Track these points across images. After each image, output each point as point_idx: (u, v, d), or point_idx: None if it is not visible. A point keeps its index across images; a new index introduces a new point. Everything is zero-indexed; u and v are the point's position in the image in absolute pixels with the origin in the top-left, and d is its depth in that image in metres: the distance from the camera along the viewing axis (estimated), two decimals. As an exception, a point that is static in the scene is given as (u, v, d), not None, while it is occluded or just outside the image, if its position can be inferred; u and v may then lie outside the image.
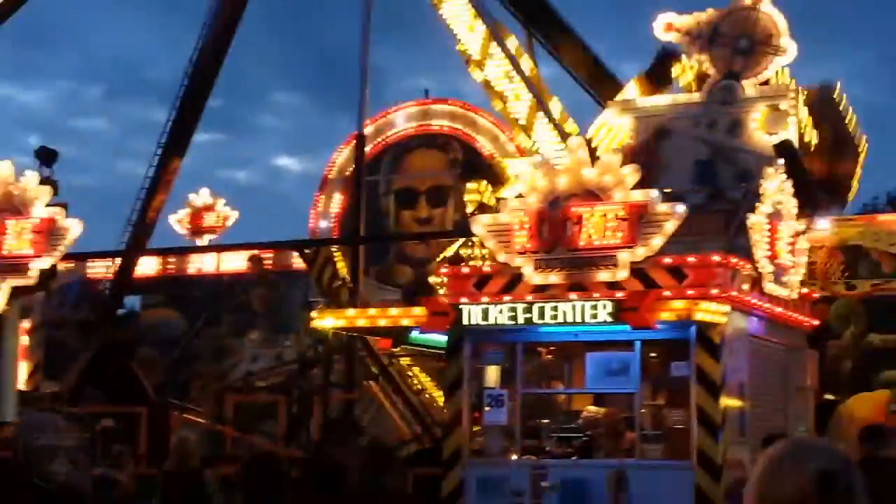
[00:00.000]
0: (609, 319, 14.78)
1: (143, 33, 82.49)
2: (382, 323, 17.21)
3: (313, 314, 17.94)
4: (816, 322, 17.85)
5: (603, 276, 15.14)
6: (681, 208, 15.19)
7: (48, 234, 18.81)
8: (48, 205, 19.08)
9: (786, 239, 16.64)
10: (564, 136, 23.97)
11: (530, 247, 15.43)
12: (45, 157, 19.92)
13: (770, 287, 16.25)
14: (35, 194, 19.01)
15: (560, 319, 15.08)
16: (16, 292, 19.13)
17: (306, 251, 22.78)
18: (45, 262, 18.89)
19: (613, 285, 15.06)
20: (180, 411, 22.60)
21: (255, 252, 27.06)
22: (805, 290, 17.53)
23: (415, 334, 17.21)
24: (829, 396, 18.37)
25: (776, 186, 16.53)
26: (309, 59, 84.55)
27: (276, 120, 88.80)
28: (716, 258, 15.16)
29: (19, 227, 18.85)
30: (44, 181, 19.37)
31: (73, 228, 19.00)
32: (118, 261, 25.32)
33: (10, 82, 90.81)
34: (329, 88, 75.22)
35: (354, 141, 25.79)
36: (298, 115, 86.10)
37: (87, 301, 27.17)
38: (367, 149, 26.60)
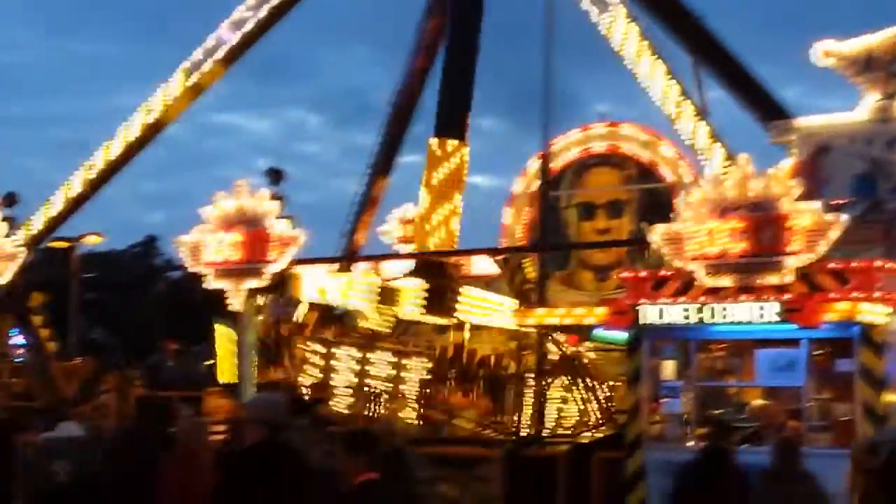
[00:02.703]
0: (776, 319, 14.50)
1: (368, 65, 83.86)
2: (568, 321, 17.26)
3: (507, 313, 18.04)
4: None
5: (771, 279, 14.82)
6: (843, 217, 14.78)
7: (279, 242, 19.41)
8: (278, 217, 19.68)
9: (945, 245, 15.92)
10: (728, 151, 23.60)
11: (702, 253, 15.25)
12: (274, 176, 20.50)
13: (930, 290, 15.55)
14: (267, 209, 19.65)
15: (730, 319, 14.88)
16: (251, 293, 19.80)
17: (499, 258, 22.88)
18: (276, 267, 19.49)
19: (781, 288, 14.71)
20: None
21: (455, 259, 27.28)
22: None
23: (597, 331, 17.15)
24: None
25: (934, 197, 15.87)
26: (512, 85, 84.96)
27: (475, 143, 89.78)
28: (878, 263, 14.66)
29: (254, 236, 19.53)
30: (273, 197, 19.97)
31: (300, 238, 19.57)
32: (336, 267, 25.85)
33: (245, 112, 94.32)
34: (527, 112, 75.47)
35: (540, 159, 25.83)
36: (496, 138, 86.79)
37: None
38: (551, 166, 26.57)
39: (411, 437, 16.39)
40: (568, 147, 29.72)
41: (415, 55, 28.63)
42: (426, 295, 21.41)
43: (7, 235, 23.66)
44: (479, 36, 25.80)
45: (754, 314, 14.72)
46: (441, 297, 21.38)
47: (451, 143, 25.30)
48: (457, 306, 21.61)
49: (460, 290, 21.83)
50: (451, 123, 25.56)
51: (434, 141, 25.60)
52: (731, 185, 15.43)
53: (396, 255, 28.54)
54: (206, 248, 19.94)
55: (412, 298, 21.59)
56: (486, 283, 23.67)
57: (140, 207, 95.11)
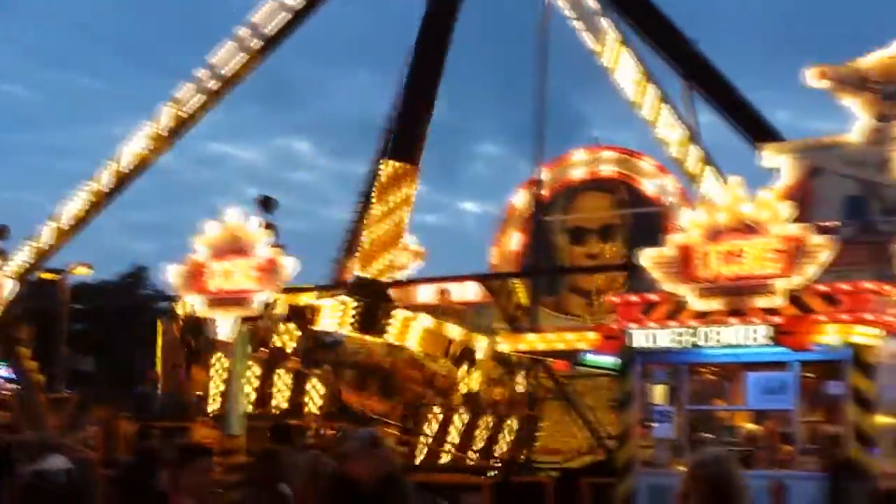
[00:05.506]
0: (767, 342, 14.64)
1: (369, 91, 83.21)
2: (559, 346, 17.38)
3: (497, 339, 18.16)
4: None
5: (761, 302, 14.97)
6: (834, 239, 14.97)
7: (269, 271, 19.51)
8: (268, 246, 19.78)
9: (935, 267, 16.09)
10: (719, 174, 23.84)
11: (693, 277, 15.39)
12: (266, 204, 20.65)
13: (921, 312, 15.71)
14: (258, 237, 19.77)
15: (722, 342, 15.03)
16: (241, 322, 19.88)
17: (492, 284, 23.05)
18: (266, 296, 19.58)
19: (771, 311, 14.86)
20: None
21: (443, 285, 27.44)
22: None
23: (587, 356, 17.27)
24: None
25: (924, 218, 16.05)
26: (513, 110, 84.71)
27: (477, 168, 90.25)
28: (869, 285, 14.81)
29: (245, 265, 19.64)
30: (265, 225, 20.09)
31: (290, 266, 19.68)
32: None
33: (236, 141, 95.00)
34: (527, 138, 75.50)
35: (532, 185, 26.07)
36: (497, 164, 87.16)
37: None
38: (544, 192, 26.76)
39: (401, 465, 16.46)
40: (561, 171, 29.97)
41: (409, 79, 28.75)
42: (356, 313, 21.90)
43: (-3, 267, 23.81)
44: (443, 58, 25.97)
45: (747, 337, 14.85)
46: (373, 318, 21.79)
47: (403, 166, 25.52)
48: (388, 328, 21.98)
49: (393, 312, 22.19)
50: (405, 146, 25.79)
51: (386, 163, 25.88)
52: (722, 209, 15.59)
53: (388, 284, 28.62)
54: (195, 277, 20.05)
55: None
56: (475, 309, 23.84)
57: (128, 237, 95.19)
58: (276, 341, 22.12)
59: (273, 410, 20.85)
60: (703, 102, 26.11)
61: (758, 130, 24.03)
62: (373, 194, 25.36)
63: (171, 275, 20.54)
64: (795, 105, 54.22)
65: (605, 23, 25.43)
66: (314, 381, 21.12)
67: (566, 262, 29.19)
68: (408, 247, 30.63)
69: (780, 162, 18.64)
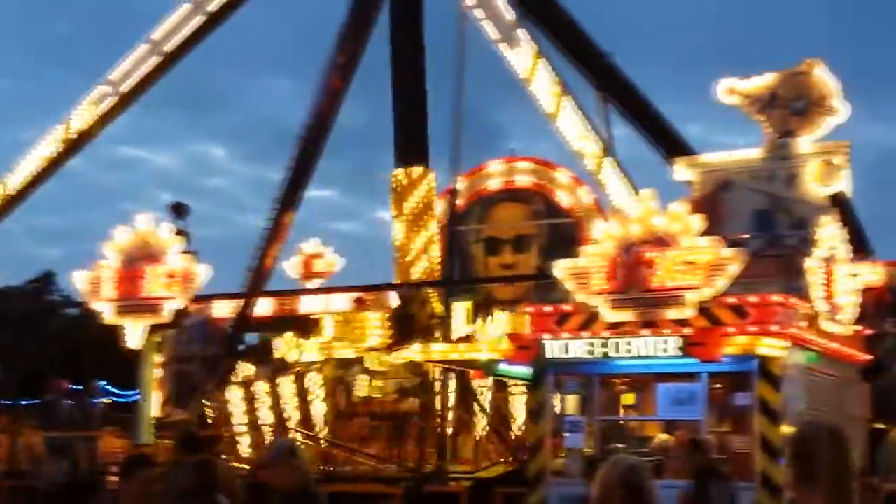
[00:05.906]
0: (677, 353, 14.88)
1: (288, 98, 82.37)
2: (473, 356, 17.44)
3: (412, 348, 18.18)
4: (869, 357, 17.67)
5: (672, 314, 15.22)
6: (743, 252, 15.29)
7: (181, 278, 19.32)
8: (180, 253, 19.59)
9: (840, 280, 16.56)
10: (633, 186, 24.22)
11: (607, 288, 15.59)
12: (179, 211, 20.48)
13: (825, 325, 16.15)
14: (170, 244, 19.57)
15: (633, 353, 15.23)
16: (152, 330, 19.66)
17: (405, 293, 23.04)
18: (177, 304, 19.38)
19: (682, 323, 15.12)
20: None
21: (360, 294, 27.34)
22: (858, 328, 17.38)
23: (501, 366, 17.36)
24: (879, 425, 18.11)
25: (830, 233, 16.51)
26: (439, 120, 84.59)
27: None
28: (776, 298, 15.15)
29: (156, 272, 19.41)
30: (177, 232, 19.91)
31: (202, 274, 19.51)
32: (240, 302, 25.77)
33: (149, 145, 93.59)
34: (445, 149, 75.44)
35: (448, 195, 26.20)
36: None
37: (211, 338, 27.60)
38: (459, 202, 26.90)
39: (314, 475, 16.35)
40: (478, 182, 30.06)
41: (325, 86, 28.61)
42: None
43: None
44: (423, 60, 26.21)
45: (658, 348, 15.07)
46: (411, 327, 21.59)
47: (416, 171, 25.53)
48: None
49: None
50: (412, 151, 25.88)
51: (399, 171, 25.79)
52: (634, 221, 15.82)
53: (303, 291, 28.53)
54: (105, 283, 19.77)
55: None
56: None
57: (36, 242, 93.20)
58: (276, 353, 22.04)
59: (286, 422, 20.60)
60: (617, 115, 26.48)
61: (670, 144, 24.44)
62: (391, 208, 25.25)
63: (79, 281, 20.23)
64: (707, 119, 55.26)
65: (521, 34, 25.65)
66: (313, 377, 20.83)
67: (481, 273, 29.27)
68: (323, 255, 30.55)
69: (691, 175, 19.02)
